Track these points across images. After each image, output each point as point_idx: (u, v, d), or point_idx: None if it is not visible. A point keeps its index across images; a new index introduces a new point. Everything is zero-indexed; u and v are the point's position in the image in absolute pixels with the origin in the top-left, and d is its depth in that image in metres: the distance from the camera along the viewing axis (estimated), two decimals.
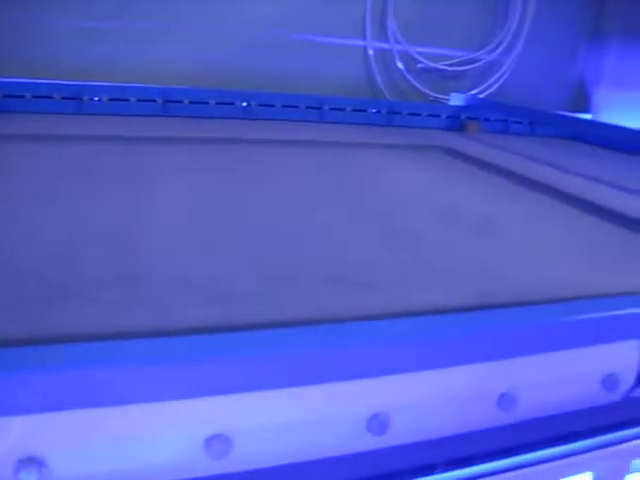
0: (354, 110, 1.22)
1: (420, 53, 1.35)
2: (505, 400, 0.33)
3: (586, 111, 1.47)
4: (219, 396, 0.30)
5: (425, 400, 0.32)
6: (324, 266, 0.46)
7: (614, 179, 0.89)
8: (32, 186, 0.62)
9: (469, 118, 1.29)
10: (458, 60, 1.38)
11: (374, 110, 1.24)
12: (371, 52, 1.31)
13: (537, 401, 0.35)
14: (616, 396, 0.38)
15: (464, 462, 0.34)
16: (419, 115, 1.27)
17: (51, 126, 0.92)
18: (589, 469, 0.39)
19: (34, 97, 1.02)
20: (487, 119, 1.31)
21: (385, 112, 1.25)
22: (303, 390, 0.30)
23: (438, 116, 1.28)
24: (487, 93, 1.41)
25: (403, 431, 0.32)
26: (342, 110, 1.21)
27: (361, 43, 1.32)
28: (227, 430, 0.30)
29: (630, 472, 0.41)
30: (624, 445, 0.39)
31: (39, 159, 0.73)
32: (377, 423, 0.31)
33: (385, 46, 1.33)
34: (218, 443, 0.30)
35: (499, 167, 0.94)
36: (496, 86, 1.41)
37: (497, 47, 1.39)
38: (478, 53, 1.39)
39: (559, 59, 1.47)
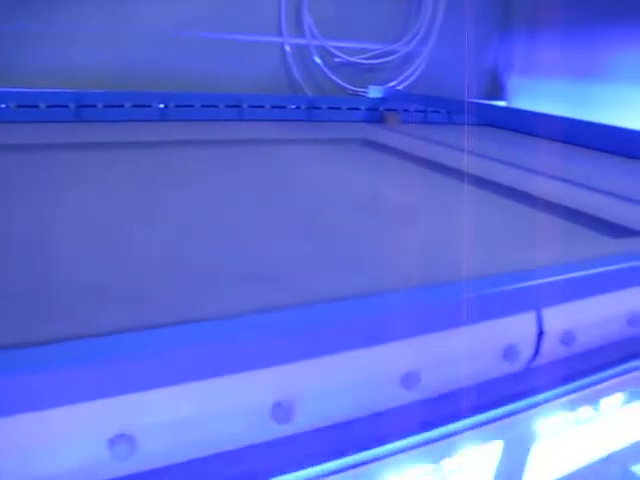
0: (273, 107, 1.22)
1: (337, 48, 1.36)
2: (409, 379, 0.34)
3: (500, 98, 1.52)
4: (121, 396, 0.29)
5: (329, 385, 0.33)
6: (237, 264, 0.45)
7: (524, 162, 0.93)
8: None
9: (388, 110, 1.31)
10: (374, 53, 1.40)
11: (294, 106, 1.25)
12: (288, 48, 1.32)
13: (441, 377, 0.36)
14: (518, 366, 0.40)
15: (374, 442, 0.35)
16: (339, 109, 1.28)
17: None
18: (499, 437, 0.41)
19: None
20: (406, 110, 1.33)
21: (305, 107, 1.25)
22: (205, 384, 0.30)
23: (357, 109, 1.30)
24: (405, 85, 1.44)
25: (309, 417, 0.33)
26: (261, 107, 1.21)
27: (278, 40, 1.32)
28: (131, 429, 0.30)
29: (537, 439, 0.42)
30: (529, 412, 0.41)
31: None
32: (282, 411, 0.31)
33: (302, 42, 1.33)
34: (122, 442, 0.29)
35: (416, 156, 0.96)
36: (413, 78, 1.44)
37: (412, 40, 1.42)
38: (394, 46, 1.41)
39: (472, 50, 1.51)
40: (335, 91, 1.37)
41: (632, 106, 1.30)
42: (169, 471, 0.31)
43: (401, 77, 1.43)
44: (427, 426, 0.37)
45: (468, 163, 0.91)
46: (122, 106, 1.10)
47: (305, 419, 0.32)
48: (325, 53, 1.35)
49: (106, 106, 1.09)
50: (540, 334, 0.39)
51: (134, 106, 1.11)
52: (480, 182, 0.82)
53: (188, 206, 0.62)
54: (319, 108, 1.26)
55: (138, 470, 0.30)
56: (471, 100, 1.40)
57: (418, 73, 1.44)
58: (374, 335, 0.33)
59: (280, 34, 1.31)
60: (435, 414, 0.37)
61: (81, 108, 1.07)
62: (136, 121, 1.10)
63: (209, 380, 0.29)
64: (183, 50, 1.22)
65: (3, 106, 1.01)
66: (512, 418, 0.40)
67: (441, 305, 0.35)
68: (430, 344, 0.35)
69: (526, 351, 0.39)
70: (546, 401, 0.42)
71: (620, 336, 0.45)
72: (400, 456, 0.37)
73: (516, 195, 0.75)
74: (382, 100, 1.32)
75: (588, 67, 1.38)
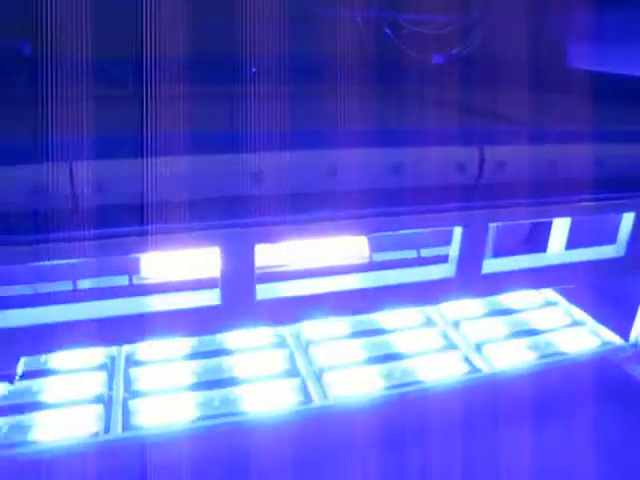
0: None
1: (405, 19, 1.53)
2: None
3: None
4: None
5: None
6: None
7: None
8: None
9: None
10: (438, 24, 1.56)
11: None
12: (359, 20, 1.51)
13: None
14: (469, 180, 0.56)
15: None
16: None
17: None
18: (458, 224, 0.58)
19: None
20: None
21: None
22: None
23: None
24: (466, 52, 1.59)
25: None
26: None
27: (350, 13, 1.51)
28: None
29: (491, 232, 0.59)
30: (484, 211, 0.58)
31: None
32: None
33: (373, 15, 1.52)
34: None
35: None
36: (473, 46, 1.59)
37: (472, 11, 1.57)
38: (456, 17, 1.57)
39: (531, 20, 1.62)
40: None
41: None
42: None
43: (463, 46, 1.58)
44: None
45: None
46: None
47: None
48: (395, 24, 1.53)
49: None
50: (482, 162, 0.56)
51: None
52: None
53: None
54: None
55: None
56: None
57: (478, 42, 1.58)
58: None
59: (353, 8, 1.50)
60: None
61: None
62: None
63: None
64: None
65: None
66: (469, 212, 0.57)
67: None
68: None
69: (473, 169, 0.56)
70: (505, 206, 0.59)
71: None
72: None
73: None
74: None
75: None
